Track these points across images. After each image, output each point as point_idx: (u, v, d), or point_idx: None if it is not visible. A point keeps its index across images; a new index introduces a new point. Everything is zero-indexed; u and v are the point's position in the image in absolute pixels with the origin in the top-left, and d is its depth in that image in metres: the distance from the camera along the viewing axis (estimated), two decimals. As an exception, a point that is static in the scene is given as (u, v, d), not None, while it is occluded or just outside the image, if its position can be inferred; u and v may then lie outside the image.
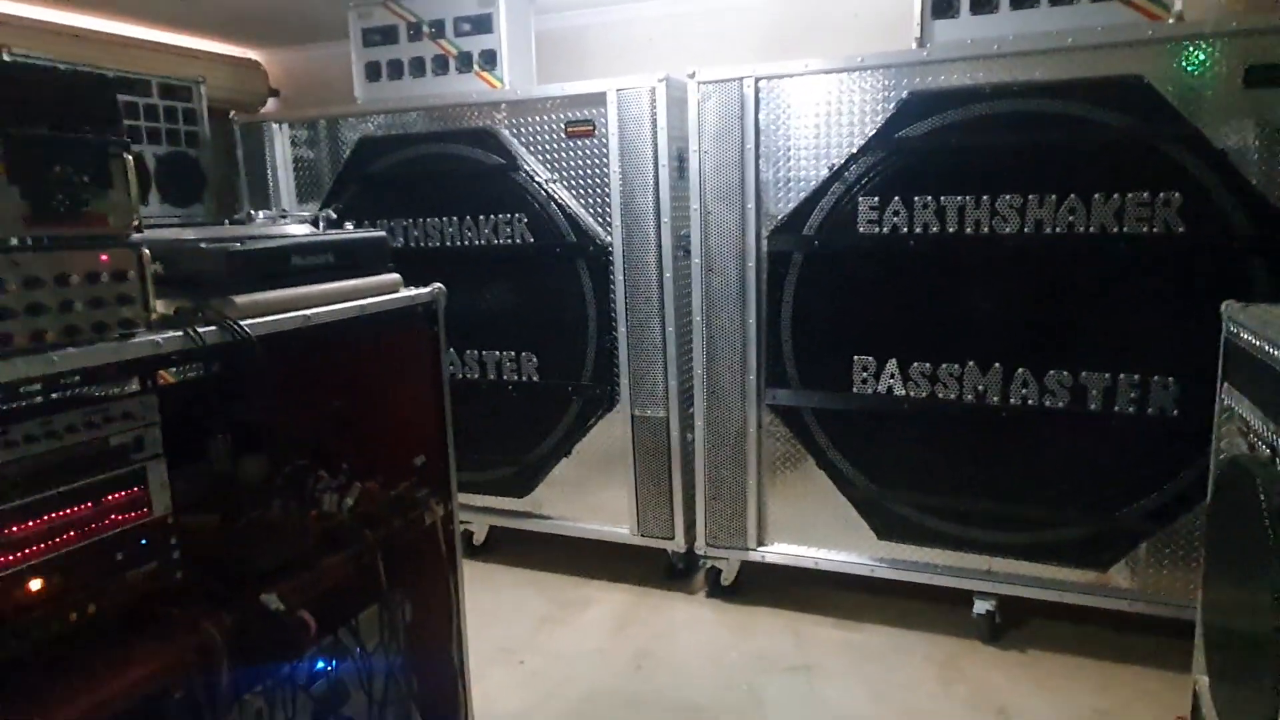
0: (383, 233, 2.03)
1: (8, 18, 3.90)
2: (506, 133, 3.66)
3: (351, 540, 1.84)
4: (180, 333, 1.42)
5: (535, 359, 3.80)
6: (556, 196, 3.62)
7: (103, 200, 1.31)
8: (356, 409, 2.14)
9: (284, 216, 1.90)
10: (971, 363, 3.06)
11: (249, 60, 5.24)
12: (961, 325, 3.07)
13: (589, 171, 3.56)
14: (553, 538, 3.97)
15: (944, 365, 3.10)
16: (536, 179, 3.63)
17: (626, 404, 3.67)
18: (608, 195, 3.53)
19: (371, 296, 1.92)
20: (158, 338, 1.38)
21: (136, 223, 1.34)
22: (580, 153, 3.56)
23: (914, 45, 3.05)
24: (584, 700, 2.98)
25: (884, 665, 3.12)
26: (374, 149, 3.95)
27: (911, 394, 3.16)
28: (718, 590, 3.70)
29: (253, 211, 1.91)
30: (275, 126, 4.16)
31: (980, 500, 3.15)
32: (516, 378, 3.84)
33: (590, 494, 3.87)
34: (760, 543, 3.56)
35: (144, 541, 1.44)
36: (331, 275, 1.84)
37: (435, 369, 2.09)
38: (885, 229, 3.09)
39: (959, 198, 2.97)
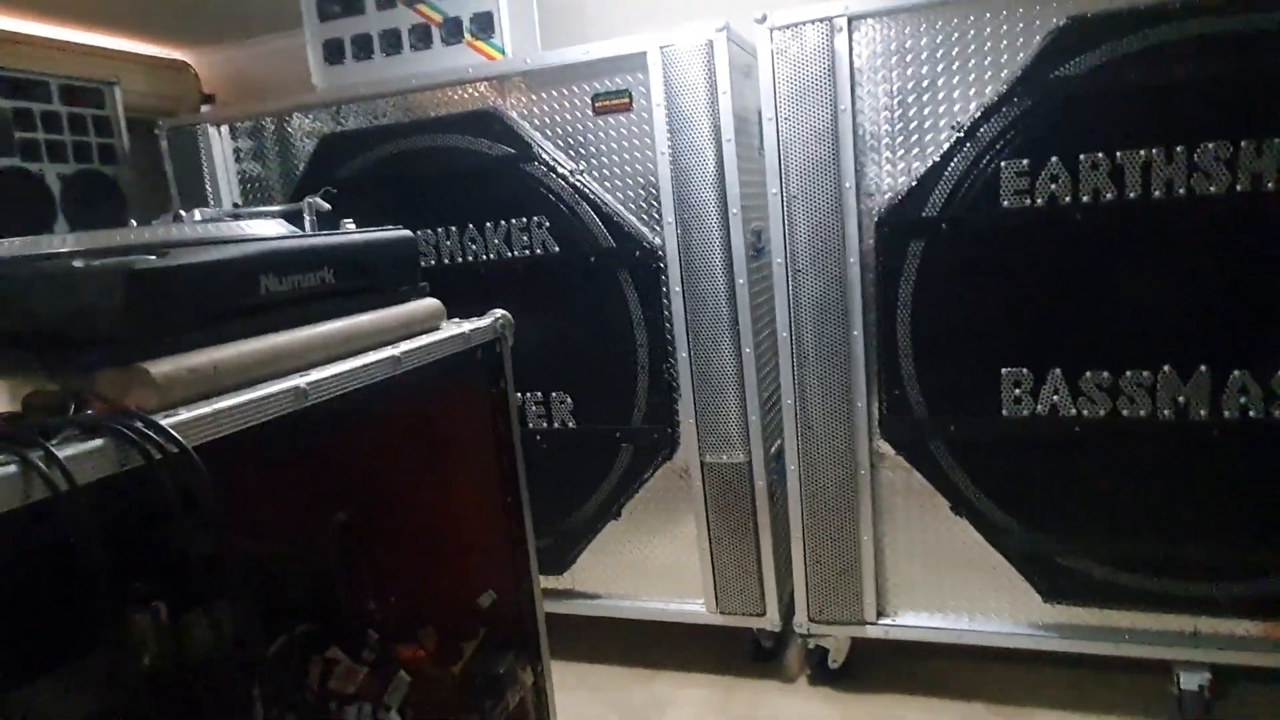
0: (408, 232, 1.21)
1: None
2: (515, 114, 2.85)
3: (402, 785, 1.01)
4: (13, 466, 0.59)
5: (569, 400, 2.98)
6: (586, 191, 2.81)
7: None
8: (376, 522, 1.32)
9: (239, 213, 1.11)
10: (1167, 368, 2.32)
11: (175, 61, 4.36)
12: (1152, 320, 2.33)
13: (628, 157, 2.77)
14: (601, 621, 3.14)
15: (1129, 373, 2.36)
16: (558, 170, 2.83)
17: (693, 449, 2.87)
18: (655, 186, 2.74)
19: (402, 337, 1.10)
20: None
21: None
22: (615, 133, 2.77)
23: (1063, -44, 2.32)
24: None
25: (1079, 773, 2.36)
26: (341, 150, 3.11)
27: (1084, 413, 2.41)
28: (824, 675, 2.90)
29: (184, 212, 1.11)
30: (212, 130, 3.29)
31: (1183, 545, 2.41)
32: (546, 425, 3.01)
33: (648, 564, 3.05)
34: (881, 613, 2.78)
35: None
36: (332, 306, 1.02)
37: (505, 447, 1.28)
38: (1039, 200, 2.34)
39: (1142, 151, 2.24)
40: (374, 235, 1.14)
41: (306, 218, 1.14)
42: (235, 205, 3.12)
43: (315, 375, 0.91)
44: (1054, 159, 2.31)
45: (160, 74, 4.20)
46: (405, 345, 1.08)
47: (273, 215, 1.05)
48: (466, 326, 1.24)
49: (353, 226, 1.18)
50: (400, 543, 1.32)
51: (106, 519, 0.86)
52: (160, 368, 0.78)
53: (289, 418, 0.94)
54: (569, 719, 2.78)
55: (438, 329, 1.20)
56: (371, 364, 0.99)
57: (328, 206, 1.16)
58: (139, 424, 0.69)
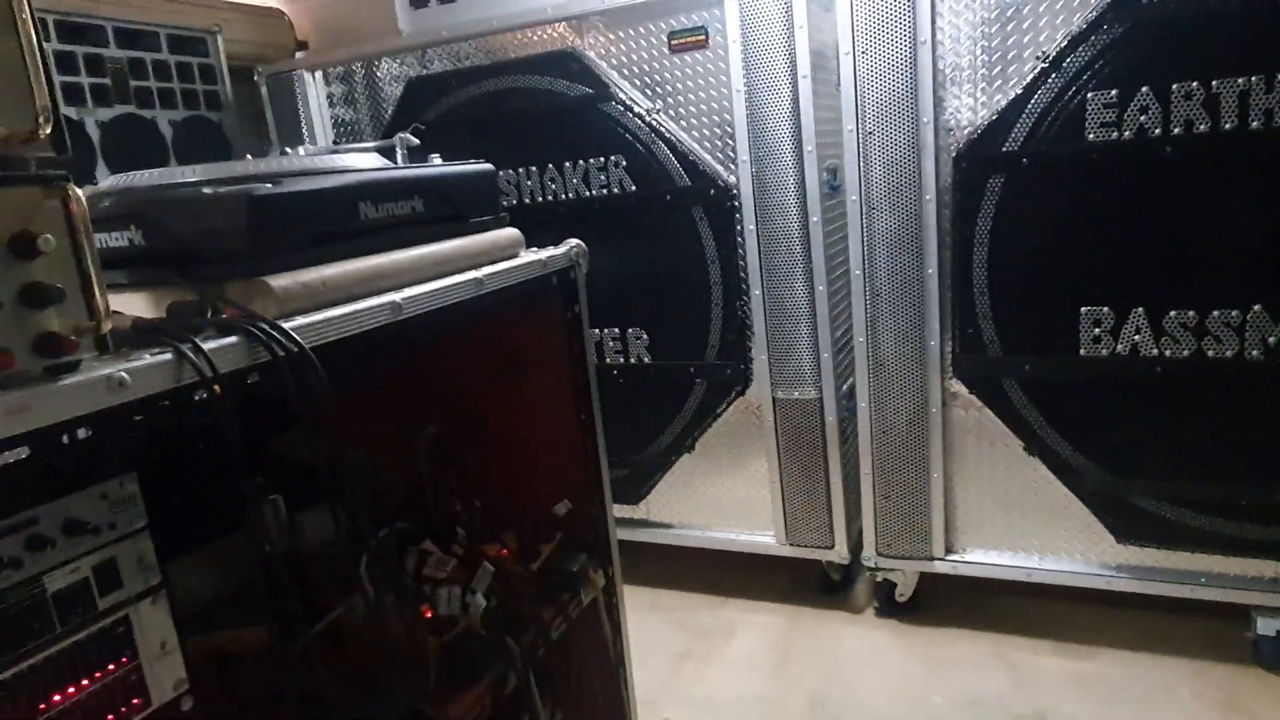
0: (490, 165, 1.30)
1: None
2: (593, 54, 2.90)
3: (488, 658, 1.14)
4: (167, 354, 0.71)
5: (645, 336, 3.07)
6: (662, 129, 2.85)
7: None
8: (462, 435, 1.44)
9: (338, 149, 1.22)
10: (1258, 307, 2.25)
11: (271, 9, 4.52)
12: (1242, 257, 2.25)
13: (703, 95, 2.78)
14: (674, 549, 3.27)
15: (1216, 313, 2.29)
16: (635, 110, 2.87)
17: (765, 385, 2.93)
18: (730, 124, 2.76)
19: (485, 263, 1.20)
20: (118, 370, 0.68)
21: (51, 131, 0.63)
22: (690, 71, 2.79)
23: None
24: (761, 778, 2.30)
25: (1144, 709, 2.37)
26: (426, 92, 3.22)
27: (1168, 353, 2.36)
28: (891, 608, 2.97)
29: (288, 149, 1.22)
30: (307, 76, 3.44)
31: (1267, 489, 2.36)
32: (622, 360, 3.11)
33: (720, 496, 3.15)
34: (950, 549, 2.81)
35: (135, 762, 0.76)
36: (422, 232, 1.13)
37: (579, 366, 1.37)
38: (1128, 133, 2.27)
39: (1240, 80, 2.14)
40: (458, 167, 1.23)
41: (399, 151, 1.24)
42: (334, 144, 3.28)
43: (408, 292, 1.02)
44: (1144, 89, 2.23)
45: (257, 22, 4.38)
46: (487, 269, 1.17)
47: (368, 150, 1.15)
48: (543, 254, 1.32)
49: (439, 160, 1.27)
50: (484, 454, 1.45)
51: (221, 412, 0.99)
52: (278, 281, 0.89)
53: (385, 338, 1.05)
54: (641, 637, 2.94)
55: (517, 256, 1.29)
56: (457, 284, 1.09)
57: (417, 142, 1.26)
58: (265, 326, 0.80)
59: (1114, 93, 2.26)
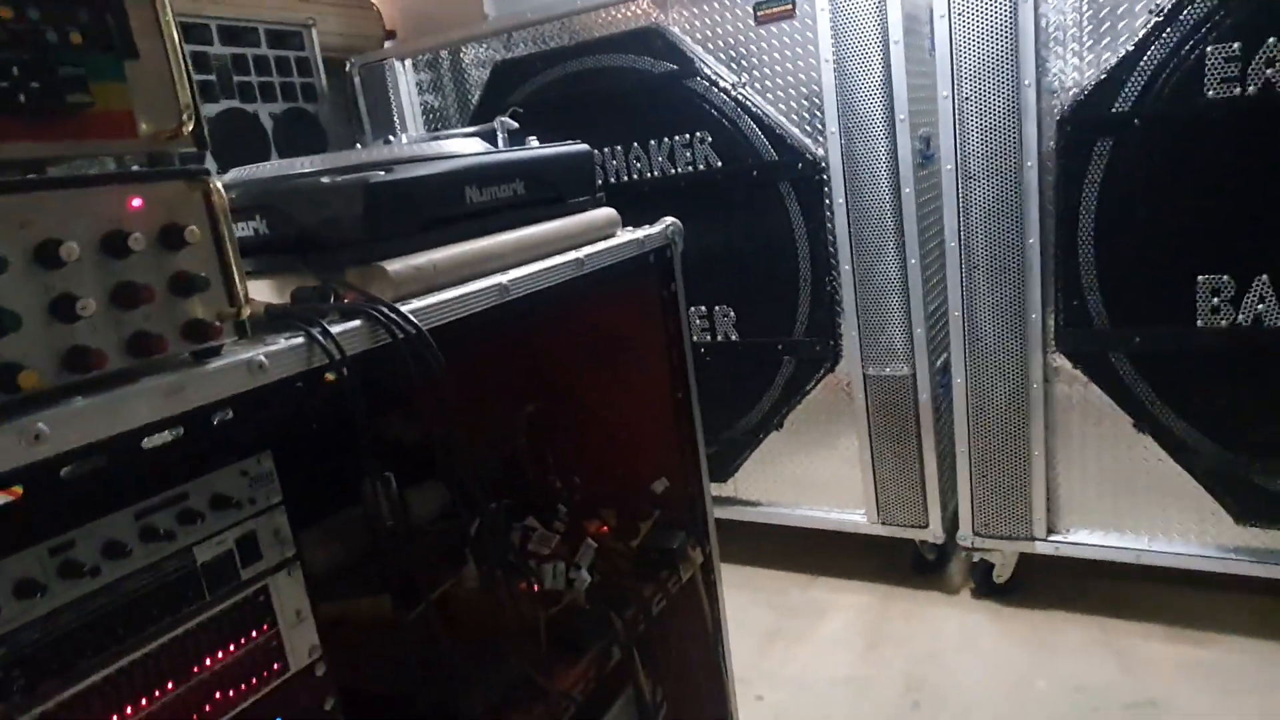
0: (586, 146, 1.31)
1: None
2: (676, 30, 2.87)
3: (593, 632, 1.17)
4: (299, 338, 0.75)
5: (732, 313, 3.05)
6: (748, 104, 2.81)
7: (117, 83, 0.64)
8: (560, 413, 1.47)
9: (441, 135, 1.25)
10: (1401, 271, 2.09)
11: (361, 1, 4.65)
12: (1384, 217, 2.09)
13: (790, 67, 2.73)
14: (762, 528, 3.26)
15: (1352, 278, 2.14)
16: (720, 84, 2.83)
17: (855, 361, 2.88)
18: (818, 95, 2.70)
19: (583, 243, 1.21)
20: (258, 354, 0.72)
21: (193, 127, 0.67)
22: (776, 43, 2.73)
23: None
24: (857, 757, 2.28)
25: (1265, 699, 2.25)
26: (512, 76, 3.25)
27: (1295, 323, 2.22)
28: (988, 589, 2.90)
29: (390, 137, 1.26)
30: (397, 65, 3.53)
31: None
32: (709, 338, 3.11)
33: (809, 474, 3.12)
34: (1051, 530, 2.72)
35: (278, 723, 0.81)
36: (524, 215, 1.15)
37: (675, 345, 1.38)
38: (1251, 88, 2.12)
39: (1384, 25, 1.97)
40: (557, 150, 1.25)
41: (500, 135, 1.26)
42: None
43: (513, 274, 1.04)
44: (1271, 39, 2.07)
45: (348, 14, 4.51)
46: (587, 249, 1.18)
47: (470, 135, 1.18)
48: (640, 233, 1.33)
49: (536, 143, 1.29)
50: (582, 433, 1.47)
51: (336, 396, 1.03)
52: (393, 266, 0.92)
53: (487, 318, 1.08)
54: (730, 615, 2.96)
55: (613, 236, 1.30)
56: (558, 265, 1.11)
57: (516, 125, 1.28)
58: (384, 309, 0.83)
59: (1236, 46, 2.11)
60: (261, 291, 0.95)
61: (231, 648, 0.78)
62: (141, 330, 0.65)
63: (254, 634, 0.80)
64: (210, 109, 3.30)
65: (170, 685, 0.73)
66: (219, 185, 0.69)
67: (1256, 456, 2.37)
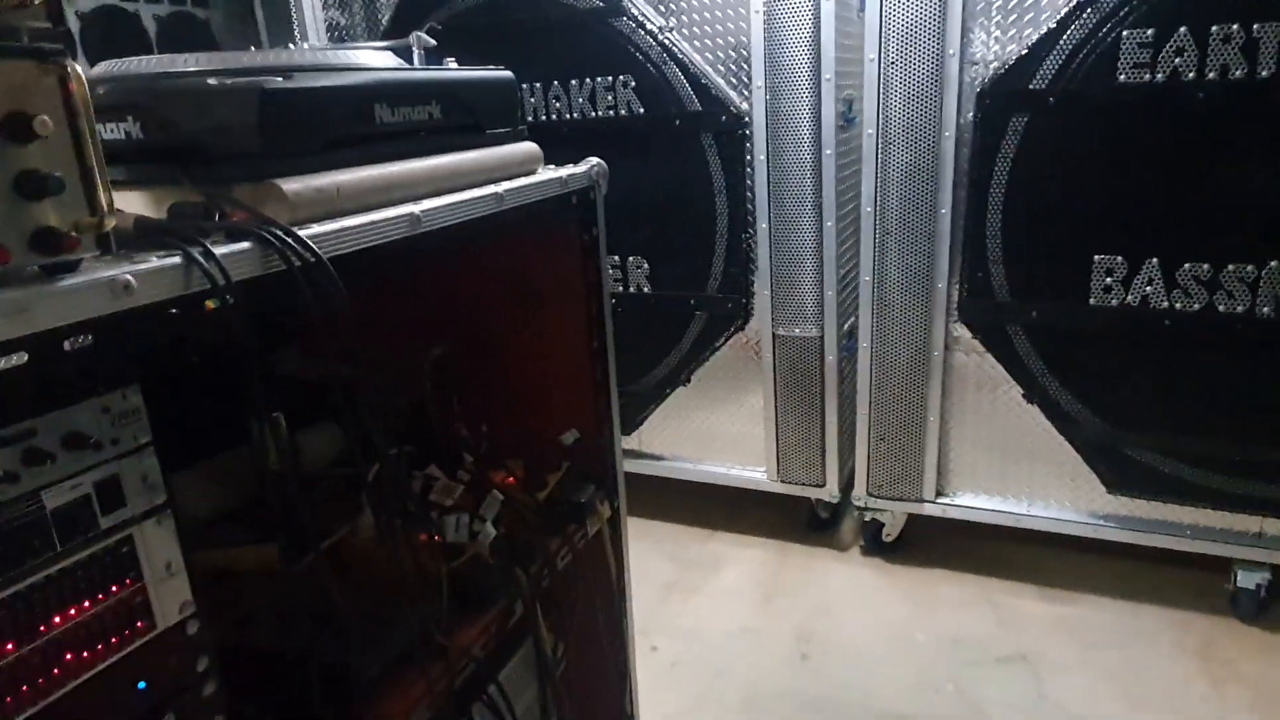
0: (510, 74, 1.21)
1: None
2: (605, -36, 2.75)
3: (496, 587, 1.12)
4: (175, 258, 0.65)
5: (646, 265, 3.00)
6: (674, 50, 2.73)
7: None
8: (468, 358, 1.39)
9: (350, 46, 1.13)
10: (1275, 263, 2.22)
11: (260, -100, 4.27)
12: (1266, 212, 2.21)
13: (720, 14, 2.65)
14: (664, 481, 3.27)
15: (1231, 266, 2.26)
16: (646, 27, 2.74)
17: (766, 320, 2.89)
18: (745, 48, 2.64)
19: (502, 178, 1.13)
20: (123, 273, 0.62)
21: (47, -3, 0.55)
22: (708, -12, 2.65)
23: None
24: (747, 706, 2.33)
25: (1124, 655, 2.42)
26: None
27: (1178, 306, 2.34)
28: (877, 547, 3.00)
29: (293, 44, 1.12)
30: (301, -26, 3.25)
31: (1259, 446, 2.37)
32: (621, 289, 3.05)
33: (713, 430, 3.14)
34: (940, 492, 2.83)
35: (141, 686, 0.72)
36: (439, 142, 1.05)
37: (594, 292, 1.32)
38: (1161, 75, 2.19)
39: (1284, 24, 2.06)
40: (478, 74, 1.15)
41: (415, 52, 1.15)
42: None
43: (426, 204, 0.95)
44: (1182, 29, 2.14)
45: (246, -86, 4.14)
46: (506, 185, 1.10)
47: (383, 49, 1.07)
48: (563, 172, 1.25)
49: (455, 64, 1.19)
50: (491, 379, 1.40)
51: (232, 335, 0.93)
52: (290, 185, 0.82)
53: (394, 250, 0.99)
54: (636, 567, 2.97)
55: (535, 173, 1.22)
56: (476, 199, 1.02)
57: (434, 43, 1.17)
58: (280, 233, 0.74)
59: (1150, 32, 2.17)
60: (132, 204, 0.83)
61: (87, 604, 0.69)
62: (40, 231, 0.55)
63: (114, 589, 0.71)
64: (85, 3, 2.97)
65: (10, 646, 0.64)
66: (79, 71, 0.58)
67: (1130, 430, 2.51)
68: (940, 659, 2.46)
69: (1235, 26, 2.09)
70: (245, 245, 0.72)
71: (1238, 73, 2.12)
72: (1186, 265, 2.30)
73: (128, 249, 0.67)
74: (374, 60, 1.02)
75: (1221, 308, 2.29)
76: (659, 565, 3.02)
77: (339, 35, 3.28)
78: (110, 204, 0.61)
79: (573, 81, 2.87)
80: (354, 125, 0.94)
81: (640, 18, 2.73)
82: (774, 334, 2.89)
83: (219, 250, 0.69)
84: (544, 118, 2.94)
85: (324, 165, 0.91)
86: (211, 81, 0.83)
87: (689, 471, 3.21)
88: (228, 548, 1.06)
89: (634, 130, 2.84)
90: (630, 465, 3.25)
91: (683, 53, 2.72)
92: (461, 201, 1.00)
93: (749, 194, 2.77)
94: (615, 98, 2.84)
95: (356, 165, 0.94)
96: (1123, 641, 2.47)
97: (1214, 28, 2.11)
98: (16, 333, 0.56)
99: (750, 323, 2.93)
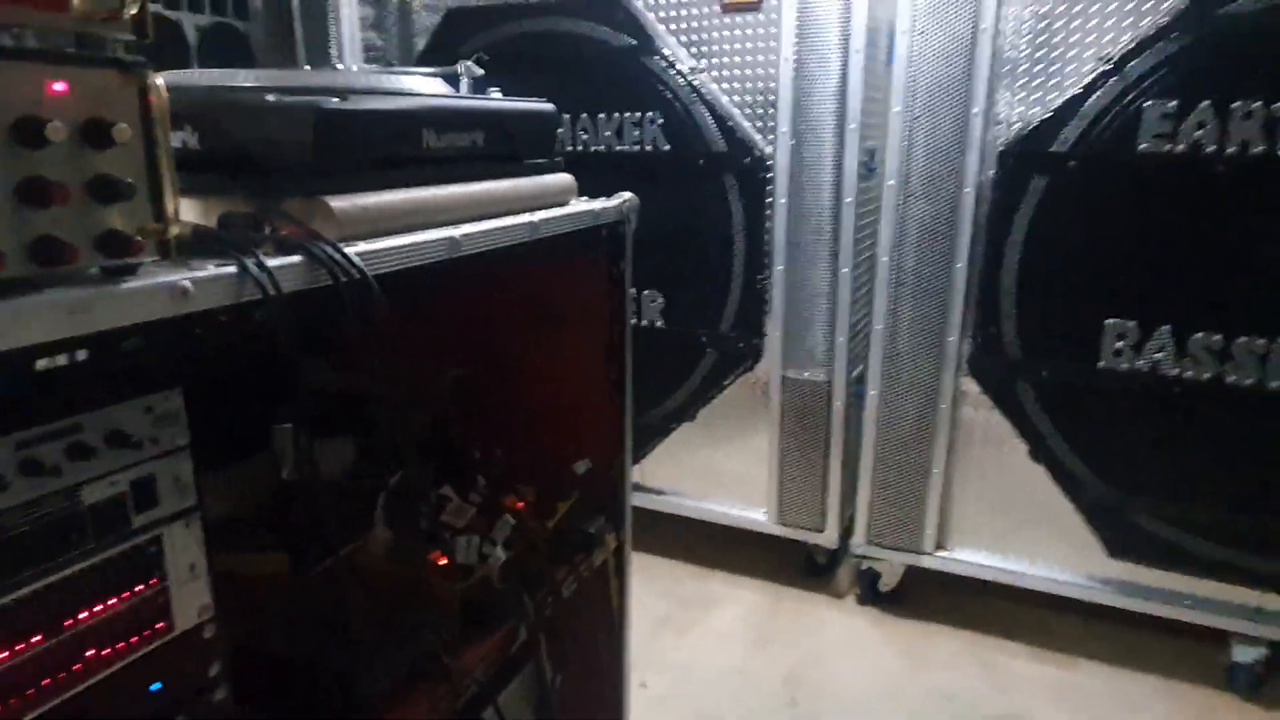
0: (551, 106, 1.25)
1: None
2: (639, 3, 2.81)
3: (504, 611, 1.12)
4: (231, 267, 0.67)
5: (661, 299, 3.03)
6: (703, 90, 2.78)
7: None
8: (486, 381, 1.41)
9: (400, 71, 1.16)
10: (1287, 338, 2.24)
11: (306, -80, 4.37)
12: (1278, 286, 2.23)
13: (750, 60, 2.71)
14: (663, 516, 3.26)
15: (1243, 339, 2.28)
16: (677, 67, 2.79)
17: (776, 362, 2.90)
18: (773, 93, 2.69)
19: (537, 207, 1.15)
20: (184, 279, 0.64)
21: (136, 12, 0.58)
22: (739, 34, 2.71)
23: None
24: (735, 749, 2.31)
25: (1116, 722, 2.40)
26: (464, 26, 3.12)
27: (1188, 374, 2.35)
28: (874, 597, 2.98)
29: (340, 65, 1.16)
30: (341, -8, 3.32)
31: (1262, 519, 2.37)
32: (635, 321, 3.07)
33: (716, 468, 3.14)
34: (939, 546, 2.82)
35: (156, 687, 0.73)
36: (480, 169, 1.08)
37: (617, 324, 1.34)
38: (1181, 146, 2.23)
39: (1304, 105, 2.10)
40: (522, 105, 1.18)
41: (463, 80, 1.18)
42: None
43: (466, 229, 0.97)
44: (1205, 103, 2.18)
45: (291, -69, 4.23)
46: (542, 214, 1.13)
47: (432, 75, 1.10)
48: (596, 205, 1.28)
49: (499, 94, 1.22)
50: (509, 405, 1.41)
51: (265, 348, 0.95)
52: (338, 203, 0.84)
53: (431, 272, 1.01)
54: (624, 599, 2.96)
55: (567, 204, 1.24)
56: (513, 225, 1.04)
57: (481, 72, 1.20)
58: (329, 248, 0.76)
59: (1173, 104, 2.21)
60: (183, 210, 0.85)
61: (112, 601, 0.70)
62: (49, 235, 0.56)
63: (139, 588, 0.72)
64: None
65: (37, 638, 0.65)
66: (160, 83, 0.61)
67: (1135, 495, 2.51)
68: (930, 714, 2.44)
69: (1258, 103, 2.13)
70: (296, 259, 0.74)
71: (1257, 149, 2.15)
72: (1199, 334, 2.32)
73: (184, 255, 0.69)
74: (424, 86, 1.05)
75: (1231, 379, 2.31)
76: (653, 600, 3.01)
77: (375, 58, 3.34)
78: (176, 211, 0.63)
79: (601, 115, 2.92)
80: (401, 148, 0.97)
81: (671, 57, 2.79)
82: (783, 376, 2.91)
83: (271, 262, 0.71)
84: (571, 149, 2.98)
85: (370, 185, 0.93)
86: (270, 98, 0.85)
87: (689, 508, 3.21)
88: (247, 553, 1.07)
89: (658, 166, 2.88)
90: (634, 498, 3.26)
91: (711, 94, 2.77)
92: (499, 228, 1.02)
93: (767, 236, 2.81)
94: (642, 133, 2.88)
95: (401, 187, 0.96)
96: (1115, 710, 2.45)
97: (1236, 103, 2.15)
98: (78, 331, 0.57)
99: (760, 363, 2.95)
